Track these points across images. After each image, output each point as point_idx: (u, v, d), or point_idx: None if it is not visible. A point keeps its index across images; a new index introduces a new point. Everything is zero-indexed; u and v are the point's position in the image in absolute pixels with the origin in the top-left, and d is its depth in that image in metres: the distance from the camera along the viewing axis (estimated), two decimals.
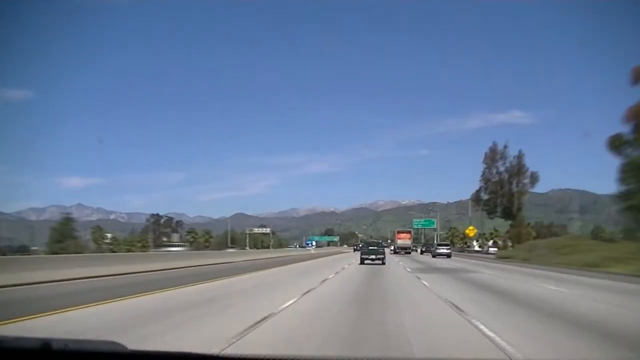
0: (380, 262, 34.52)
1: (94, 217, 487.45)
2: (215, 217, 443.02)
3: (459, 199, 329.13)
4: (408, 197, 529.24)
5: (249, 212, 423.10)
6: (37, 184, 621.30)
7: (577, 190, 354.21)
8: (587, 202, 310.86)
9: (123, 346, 2.53)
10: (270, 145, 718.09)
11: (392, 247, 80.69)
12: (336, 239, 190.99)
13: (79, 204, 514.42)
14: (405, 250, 73.95)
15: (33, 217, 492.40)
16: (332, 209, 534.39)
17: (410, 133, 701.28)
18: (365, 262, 34.71)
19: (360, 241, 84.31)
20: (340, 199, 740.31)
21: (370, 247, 37.09)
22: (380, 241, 49.91)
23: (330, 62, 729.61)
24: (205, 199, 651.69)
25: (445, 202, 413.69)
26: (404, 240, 75.71)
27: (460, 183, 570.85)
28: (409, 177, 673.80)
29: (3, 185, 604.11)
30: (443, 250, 55.65)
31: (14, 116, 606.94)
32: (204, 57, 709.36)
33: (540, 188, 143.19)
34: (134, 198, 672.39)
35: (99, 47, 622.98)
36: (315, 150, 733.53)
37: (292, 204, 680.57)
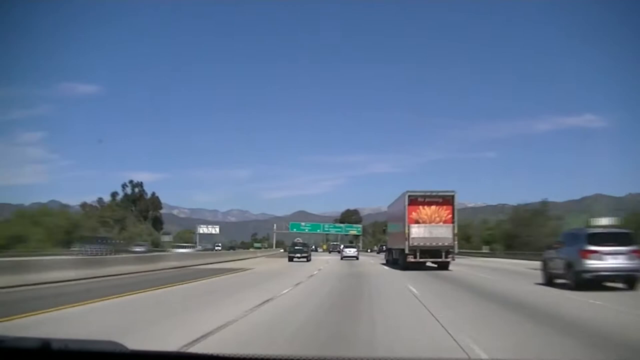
0: (306, 259, 41.93)
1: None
2: (278, 214, 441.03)
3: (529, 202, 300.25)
4: (474, 199, 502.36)
5: (310, 211, 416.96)
6: (102, 177, 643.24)
7: None
8: None
9: (123, 346, 2.54)
10: (336, 144, 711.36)
11: None
12: None
13: None
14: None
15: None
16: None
17: (476, 135, 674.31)
18: (294, 260, 41.63)
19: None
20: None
21: (295, 247, 44.82)
22: (306, 243, 55.13)
23: (397, 61, 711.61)
24: (270, 196, 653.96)
25: (515, 204, 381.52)
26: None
27: (529, 185, 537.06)
28: (475, 179, 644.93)
29: (70, 179, 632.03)
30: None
31: (83, 111, 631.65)
32: (276, 59, 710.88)
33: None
34: (199, 194, 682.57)
35: (170, 46, 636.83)
36: (380, 150, 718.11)
37: (356, 203, 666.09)
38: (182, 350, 4.36)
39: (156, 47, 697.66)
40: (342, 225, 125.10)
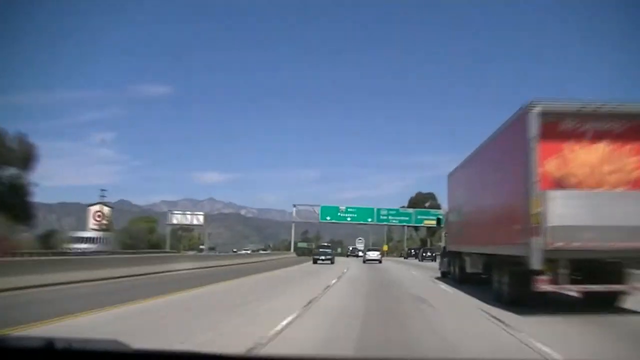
0: (329, 262, 42.54)
1: (225, 211, 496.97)
2: None
3: None
4: None
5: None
6: (171, 178, 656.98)
7: None
8: None
9: (127, 345, 2.51)
10: (406, 144, 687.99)
11: None
12: None
13: (210, 198, 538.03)
14: None
15: (165, 209, 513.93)
16: None
17: None
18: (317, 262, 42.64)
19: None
20: None
21: (320, 250, 46.70)
22: (330, 245, 58.45)
23: (465, 60, 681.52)
24: (339, 197, 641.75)
25: None
26: None
27: None
28: None
29: (139, 179, 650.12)
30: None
31: (152, 112, 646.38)
32: (345, 58, 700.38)
33: None
34: (267, 194, 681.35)
35: (241, 48, 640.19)
36: (452, 150, 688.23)
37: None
38: (184, 349, 4.37)
39: (227, 51, 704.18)
40: (410, 211, 76.03)
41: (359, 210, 72.41)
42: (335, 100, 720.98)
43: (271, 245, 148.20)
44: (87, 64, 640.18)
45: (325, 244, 55.80)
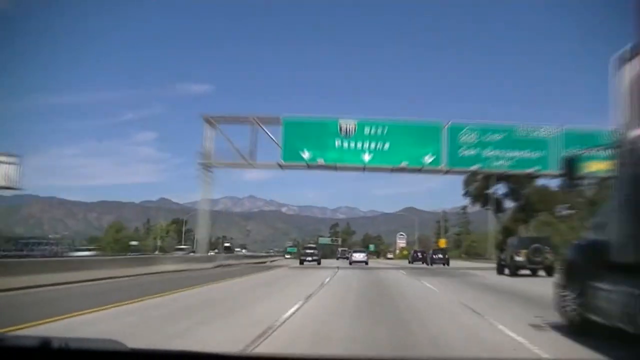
0: (316, 262, 42.85)
1: (265, 209, 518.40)
2: (387, 211, 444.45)
3: None
4: None
5: (419, 207, 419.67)
6: (211, 176, 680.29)
7: None
8: None
9: (123, 344, 2.48)
10: None
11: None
12: None
13: (251, 196, 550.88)
14: None
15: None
16: None
17: None
18: (304, 263, 42.55)
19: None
20: None
21: (307, 251, 46.69)
22: (315, 245, 59.32)
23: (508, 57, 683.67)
24: (380, 193, 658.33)
25: None
26: None
27: None
28: None
29: (179, 177, 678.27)
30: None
31: (193, 109, 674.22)
32: (399, 53, 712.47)
33: None
34: (309, 192, 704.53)
35: (283, 43, 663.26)
36: None
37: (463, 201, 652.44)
38: (180, 349, 3.50)
39: (266, 46, 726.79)
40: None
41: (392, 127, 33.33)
42: (377, 96, 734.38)
43: (300, 242, 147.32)
44: (127, 63, 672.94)
45: (312, 245, 56.82)
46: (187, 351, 2.58)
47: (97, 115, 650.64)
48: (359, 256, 49.49)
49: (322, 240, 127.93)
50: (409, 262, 59.78)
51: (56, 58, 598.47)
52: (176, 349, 3.10)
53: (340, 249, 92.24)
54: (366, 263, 47.69)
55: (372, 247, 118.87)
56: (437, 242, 77.12)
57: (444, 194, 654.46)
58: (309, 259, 43.14)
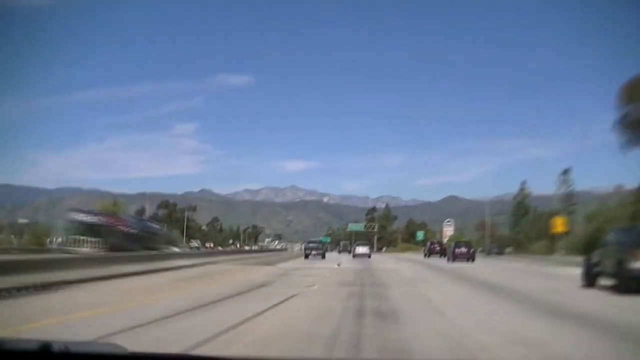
0: (321, 257, 43.29)
1: (306, 199, 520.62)
2: (429, 200, 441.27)
3: None
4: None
5: (461, 195, 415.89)
6: (253, 166, 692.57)
7: None
8: None
9: (123, 348, 2.50)
10: (488, 129, 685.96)
11: None
12: None
13: (292, 186, 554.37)
14: None
15: (247, 198, 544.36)
16: (551, 193, 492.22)
17: None
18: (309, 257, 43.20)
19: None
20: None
21: (311, 245, 47.32)
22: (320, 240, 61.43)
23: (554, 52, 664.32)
24: (421, 182, 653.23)
25: None
26: None
27: None
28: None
29: (221, 169, 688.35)
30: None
31: (235, 101, 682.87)
32: (433, 48, 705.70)
33: None
34: (350, 181, 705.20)
35: (323, 33, 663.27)
36: (535, 133, 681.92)
37: (507, 188, 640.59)
38: (182, 352, 4.16)
39: (308, 38, 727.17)
40: None
41: None
42: (419, 87, 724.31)
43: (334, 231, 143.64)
44: (168, 55, 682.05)
45: (315, 240, 59.79)
46: (187, 354, 2.74)
47: (138, 108, 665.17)
48: (361, 249, 50.36)
49: (353, 227, 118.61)
50: (425, 256, 53.47)
51: (96, 53, 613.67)
52: (175, 352, 2.98)
53: (342, 242, 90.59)
54: (369, 256, 47.71)
55: (420, 235, 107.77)
56: (551, 222, 56.61)
57: (484, 182, 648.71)
58: (314, 252, 44.39)
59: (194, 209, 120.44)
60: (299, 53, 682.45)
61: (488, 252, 65.41)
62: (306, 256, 44.01)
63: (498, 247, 67.58)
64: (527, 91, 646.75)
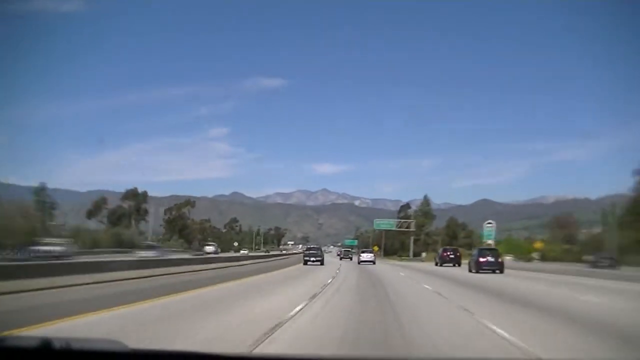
0: (319, 263, 43.15)
1: (338, 202, 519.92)
2: (461, 203, 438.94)
3: None
4: None
5: (494, 199, 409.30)
6: (284, 170, 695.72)
7: None
8: None
9: (124, 345, 2.53)
10: (522, 131, 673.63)
11: None
12: None
13: (323, 189, 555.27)
14: None
15: (279, 201, 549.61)
16: (585, 197, 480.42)
17: None
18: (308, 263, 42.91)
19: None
20: (595, 186, 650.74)
21: (310, 252, 47.09)
22: (319, 246, 60.05)
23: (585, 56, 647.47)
24: (453, 185, 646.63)
25: None
26: None
27: None
28: None
29: (253, 172, 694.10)
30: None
31: (267, 105, 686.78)
32: (451, 48, 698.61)
33: None
34: (383, 185, 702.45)
35: (357, 37, 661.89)
36: (567, 136, 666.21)
37: (542, 191, 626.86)
38: (182, 350, 4.00)
39: (340, 40, 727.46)
40: None
41: None
42: (453, 87, 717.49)
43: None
44: (200, 59, 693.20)
45: (314, 246, 59.07)
46: (188, 351, 2.70)
47: (171, 111, 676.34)
48: (366, 256, 52.07)
49: (382, 225, 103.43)
50: (436, 264, 46.84)
51: (130, 56, 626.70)
52: (177, 350, 3.22)
53: (343, 250, 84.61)
54: (373, 263, 49.38)
55: (489, 232, 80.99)
56: None
57: (518, 185, 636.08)
58: (313, 259, 44.43)
59: (192, 204, 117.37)
60: (332, 56, 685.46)
61: (595, 264, 46.91)
62: (305, 262, 43.89)
63: (610, 257, 48.29)
64: (556, 93, 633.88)
